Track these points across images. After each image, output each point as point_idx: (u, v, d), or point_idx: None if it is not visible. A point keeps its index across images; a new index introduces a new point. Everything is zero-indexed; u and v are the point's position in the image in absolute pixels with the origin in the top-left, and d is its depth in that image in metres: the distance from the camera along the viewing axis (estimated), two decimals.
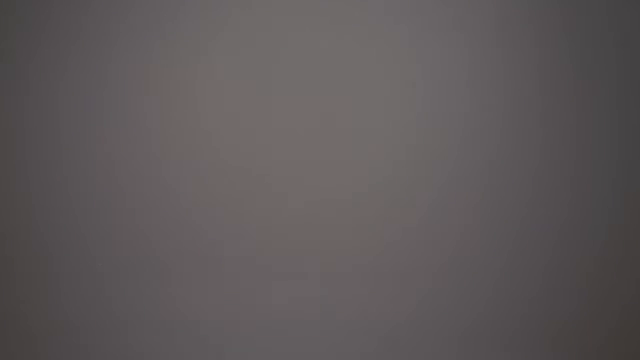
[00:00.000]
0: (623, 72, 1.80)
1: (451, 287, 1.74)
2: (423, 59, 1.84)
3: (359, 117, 1.85)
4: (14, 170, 1.79)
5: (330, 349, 1.77)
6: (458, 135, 1.83)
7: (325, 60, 1.82)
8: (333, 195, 1.78)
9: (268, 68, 1.84)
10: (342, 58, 1.83)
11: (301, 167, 1.86)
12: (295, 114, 1.84)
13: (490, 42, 1.83)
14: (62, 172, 1.77)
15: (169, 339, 1.78)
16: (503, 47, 1.82)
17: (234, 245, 1.77)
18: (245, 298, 1.77)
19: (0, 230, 1.83)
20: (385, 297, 1.76)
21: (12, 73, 1.85)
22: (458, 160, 1.80)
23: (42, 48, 1.88)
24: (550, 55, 1.83)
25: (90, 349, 1.87)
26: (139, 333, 1.78)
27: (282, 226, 1.79)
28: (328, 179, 1.83)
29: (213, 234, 1.77)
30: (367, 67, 1.87)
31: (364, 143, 1.82)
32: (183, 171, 1.76)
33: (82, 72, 1.79)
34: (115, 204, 1.82)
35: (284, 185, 1.82)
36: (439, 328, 1.74)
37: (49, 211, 1.77)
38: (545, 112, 1.82)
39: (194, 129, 1.75)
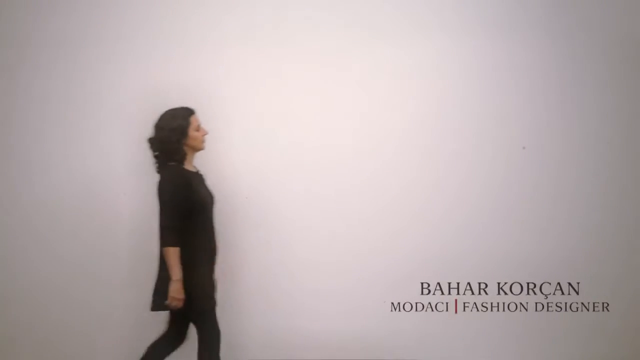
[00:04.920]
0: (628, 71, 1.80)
1: None
2: (424, 63, 1.84)
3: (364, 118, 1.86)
4: (12, 170, 1.78)
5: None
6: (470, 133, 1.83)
7: (329, 63, 1.82)
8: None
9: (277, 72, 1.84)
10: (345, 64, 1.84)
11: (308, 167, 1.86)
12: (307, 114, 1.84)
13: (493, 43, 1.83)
14: (63, 173, 1.75)
15: None
16: (507, 48, 1.82)
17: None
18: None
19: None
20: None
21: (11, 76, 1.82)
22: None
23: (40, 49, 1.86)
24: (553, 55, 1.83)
25: (90, 349, 1.86)
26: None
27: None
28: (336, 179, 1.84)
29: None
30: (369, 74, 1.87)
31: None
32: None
33: (84, 75, 1.76)
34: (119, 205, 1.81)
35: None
36: None
37: (50, 213, 1.75)
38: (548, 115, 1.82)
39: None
